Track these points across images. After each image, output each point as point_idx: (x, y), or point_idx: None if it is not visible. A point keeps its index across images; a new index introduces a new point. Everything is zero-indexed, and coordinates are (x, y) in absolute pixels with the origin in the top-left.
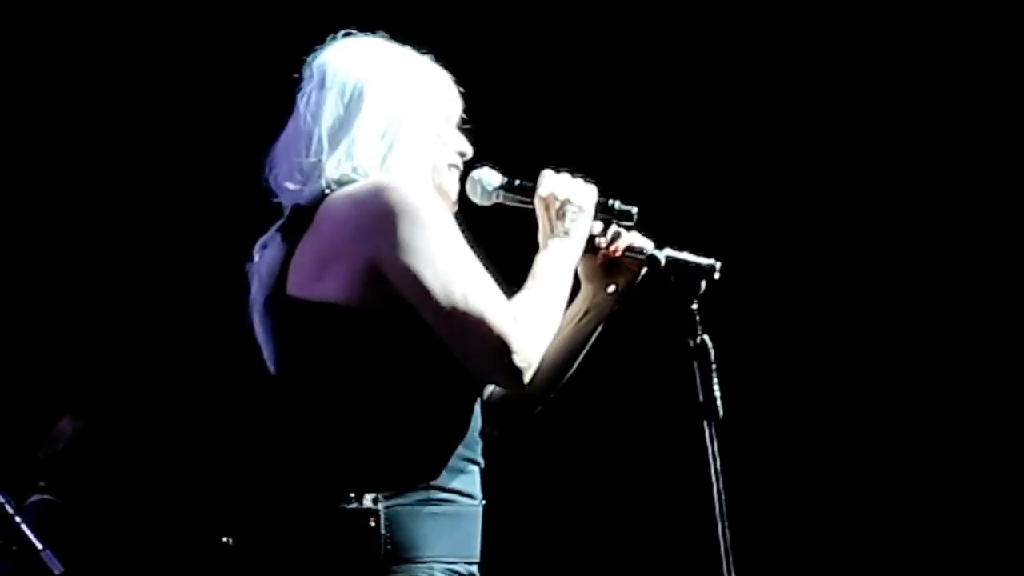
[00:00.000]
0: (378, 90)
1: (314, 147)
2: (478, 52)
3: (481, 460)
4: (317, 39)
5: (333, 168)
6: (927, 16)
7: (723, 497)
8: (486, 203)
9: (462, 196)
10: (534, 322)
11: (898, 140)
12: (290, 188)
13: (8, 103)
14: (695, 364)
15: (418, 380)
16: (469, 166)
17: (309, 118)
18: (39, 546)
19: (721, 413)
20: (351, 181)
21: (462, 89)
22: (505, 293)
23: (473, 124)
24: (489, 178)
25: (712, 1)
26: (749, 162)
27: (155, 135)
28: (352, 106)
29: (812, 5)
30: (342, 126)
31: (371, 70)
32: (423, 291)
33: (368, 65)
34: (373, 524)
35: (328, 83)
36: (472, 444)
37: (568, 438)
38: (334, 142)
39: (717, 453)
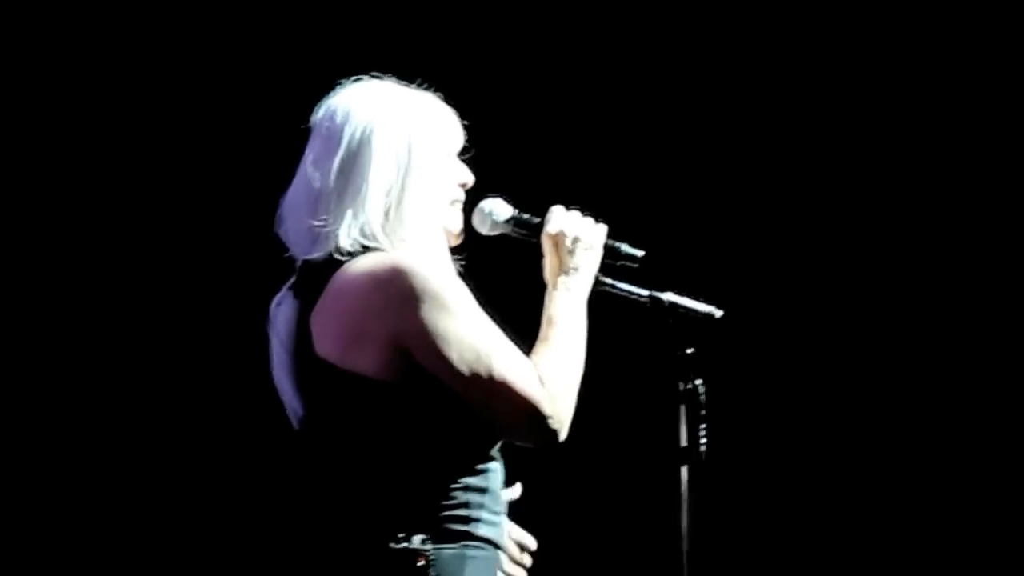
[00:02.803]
0: (380, 147)
1: (321, 208)
2: (494, 85)
3: (505, 509)
4: (323, 48)
5: (344, 235)
6: (922, 19)
7: (689, 544)
8: (492, 233)
9: (467, 223)
10: (560, 380)
11: (884, 174)
12: (299, 246)
13: (8, 103)
14: (683, 408)
15: (449, 442)
16: (475, 194)
17: (317, 177)
18: None
19: (703, 459)
20: (361, 245)
21: (466, 122)
22: (516, 339)
23: (484, 155)
24: (499, 210)
25: (721, 41)
26: (754, 211)
27: (156, 138)
28: (357, 166)
29: (808, 39)
30: (348, 186)
31: (374, 125)
32: (451, 371)
33: (370, 120)
34: (422, 564)
35: (333, 142)
36: (498, 498)
37: (556, 477)
38: (341, 205)
39: (690, 500)
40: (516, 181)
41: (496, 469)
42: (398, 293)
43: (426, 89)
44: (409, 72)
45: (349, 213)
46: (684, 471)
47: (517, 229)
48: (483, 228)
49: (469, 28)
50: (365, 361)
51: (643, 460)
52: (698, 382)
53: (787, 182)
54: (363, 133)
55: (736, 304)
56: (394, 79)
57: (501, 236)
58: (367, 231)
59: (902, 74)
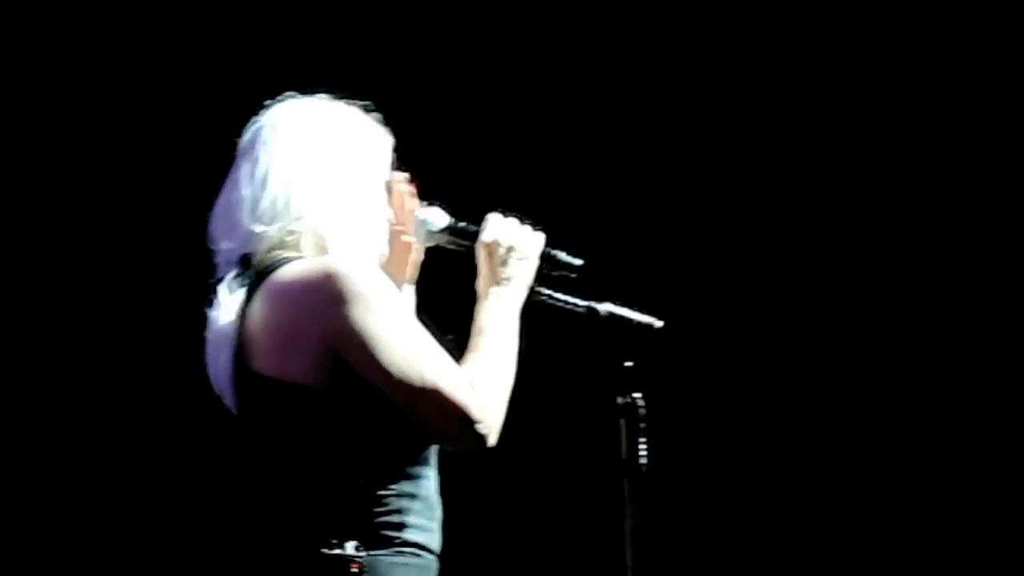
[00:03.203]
0: (319, 164)
1: (259, 214)
2: (432, 91)
3: (439, 515)
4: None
5: (275, 237)
6: (898, 18)
7: (634, 552)
8: (428, 243)
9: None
10: (490, 386)
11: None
12: (227, 247)
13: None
14: (622, 422)
15: (382, 448)
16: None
17: (255, 185)
18: None
19: (644, 471)
20: (294, 250)
21: (396, 140)
22: (448, 345)
23: (423, 163)
24: (435, 219)
25: (658, 39)
26: (695, 220)
27: (152, 137)
28: (299, 176)
29: (782, 55)
30: (291, 196)
31: (313, 139)
32: (381, 373)
33: (310, 134)
34: (355, 570)
35: (272, 154)
36: (434, 504)
37: (495, 489)
38: (286, 214)
39: (633, 512)
40: (455, 189)
41: (430, 476)
42: (330, 295)
43: (358, 103)
44: (342, 81)
45: (286, 222)
46: (626, 484)
47: (453, 238)
48: (419, 237)
49: (402, 36)
50: (298, 366)
51: (584, 474)
52: (637, 395)
53: (725, 190)
54: (303, 147)
55: (676, 314)
56: (323, 95)
57: (438, 247)
58: (308, 239)
59: (859, 71)
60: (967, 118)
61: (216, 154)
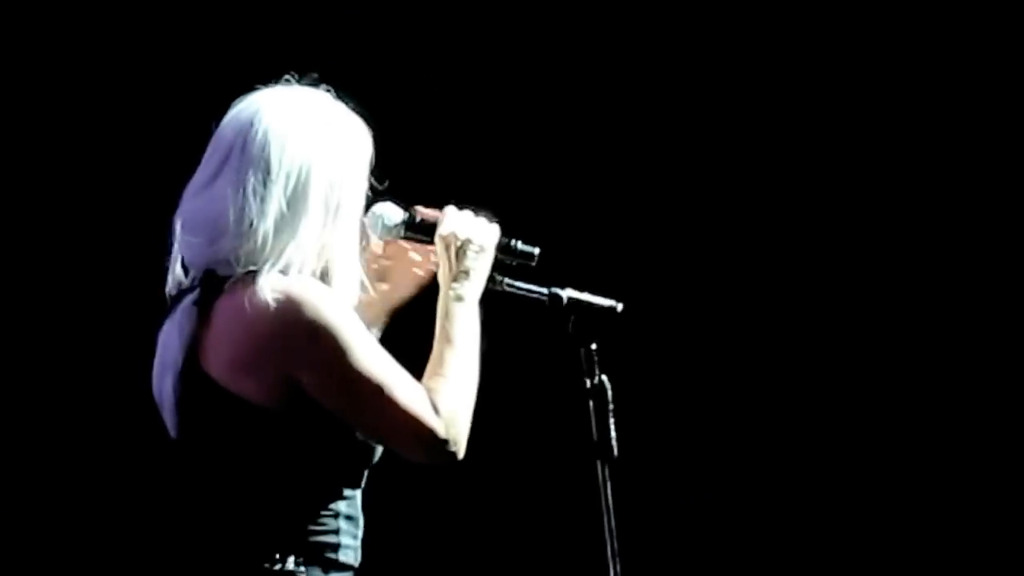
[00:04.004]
0: (320, 184)
1: (257, 244)
2: (387, 77)
3: (361, 533)
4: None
5: (268, 267)
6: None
7: (615, 536)
8: (386, 238)
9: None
10: (455, 402)
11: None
12: (200, 259)
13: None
14: (591, 404)
15: (325, 469)
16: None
17: (253, 211)
18: None
19: (616, 453)
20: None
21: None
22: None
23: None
24: (390, 214)
25: (622, 25)
26: (649, 201)
27: (149, 135)
28: (298, 205)
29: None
30: (285, 227)
31: (312, 155)
32: (343, 406)
33: (308, 147)
34: None
35: (272, 171)
36: (360, 522)
37: (465, 478)
38: (278, 244)
39: (609, 493)
40: (409, 181)
41: (357, 496)
42: (288, 327)
43: (334, 95)
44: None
45: (286, 252)
46: (600, 468)
47: (410, 233)
48: (375, 233)
49: (366, 27)
50: (250, 387)
51: (555, 460)
52: (604, 377)
53: (679, 171)
54: (304, 170)
55: (636, 296)
56: (308, 82)
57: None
58: (290, 264)
59: (850, 68)
60: (967, 118)
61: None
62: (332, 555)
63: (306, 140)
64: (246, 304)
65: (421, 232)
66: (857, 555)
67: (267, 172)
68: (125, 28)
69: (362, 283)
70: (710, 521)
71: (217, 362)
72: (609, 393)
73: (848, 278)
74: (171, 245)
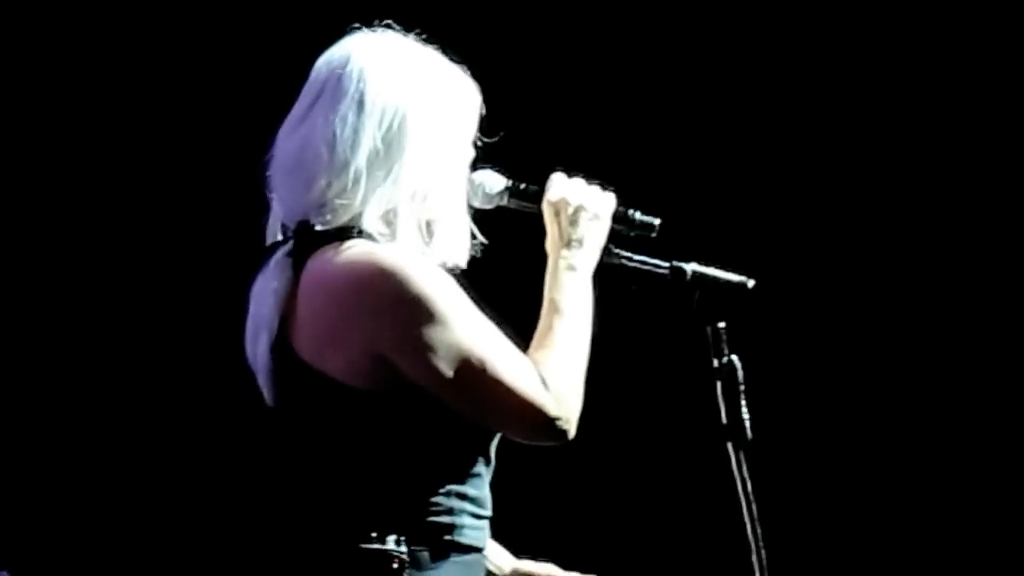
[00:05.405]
0: (417, 126)
1: (349, 182)
2: (482, 41)
3: (490, 513)
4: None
5: (370, 220)
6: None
7: (756, 522)
8: (486, 206)
9: None
10: (565, 377)
11: (927, 140)
12: (296, 210)
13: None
14: (720, 385)
15: (432, 449)
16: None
17: (346, 145)
18: None
19: (749, 436)
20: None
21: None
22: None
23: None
24: (491, 182)
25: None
26: (777, 168)
27: (153, 134)
28: (392, 144)
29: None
30: (379, 166)
31: (410, 95)
32: (440, 383)
33: (406, 88)
34: (396, 567)
35: (367, 106)
36: (486, 503)
37: (588, 462)
38: (372, 185)
39: (746, 477)
40: (508, 149)
41: (484, 474)
42: (376, 300)
43: (434, 46)
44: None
45: (382, 201)
46: (732, 453)
47: (514, 200)
48: (476, 201)
49: None
50: (337, 366)
51: (684, 445)
52: (733, 357)
53: (816, 133)
54: (401, 106)
55: (768, 272)
56: (404, 32)
57: (497, 209)
58: (391, 218)
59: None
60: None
61: (215, 154)
62: (447, 536)
63: (405, 79)
64: (329, 271)
65: (526, 199)
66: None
67: (361, 105)
68: (147, 28)
69: (472, 241)
70: (847, 508)
71: (302, 335)
72: (740, 373)
73: (995, 261)
74: (266, 195)
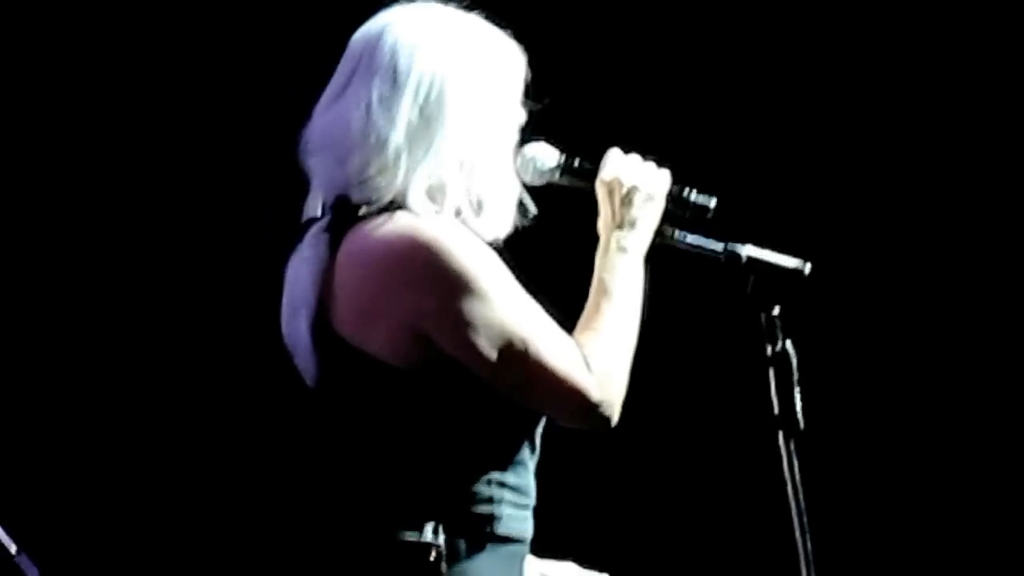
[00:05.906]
0: (457, 95)
1: (389, 159)
2: (534, 15)
3: (534, 501)
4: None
5: (415, 197)
6: None
7: (804, 512)
8: (537, 183)
9: None
10: (610, 361)
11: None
12: (333, 185)
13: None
14: (772, 373)
15: (473, 435)
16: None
17: (382, 121)
18: (13, 549)
19: (801, 425)
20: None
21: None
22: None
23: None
24: (544, 157)
25: None
26: (837, 150)
27: (155, 132)
28: (432, 117)
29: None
30: (420, 141)
31: (447, 64)
32: (481, 361)
33: (443, 56)
34: (433, 558)
35: (401, 78)
36: (530, 491)
37: (636, 448)
38: (414, 162)
39: (796, 467)
40: (564, 123)
41: (528, 462)
42: (416, 272)
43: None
44: None
45: (422, 169)
46: (783, 442)
47: (567, 177)
48: (527, 176)
49: None
50: (377, 342)
51: (732, 433)
52: (788, 344)
53: (877, 112)
54: (438, 75)
55: (826, 256)
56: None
57: (548, 185)
58: (438, 194)
59: None
60: None
61: (216, 155)
62: (488, 527)
63: (441, 48)
64: (369, 244)
65: (580, 177)
66: None
67: (394, 79)
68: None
69: (522, 211)
70: (896, 502)
71: (341, 312)
72: (794, 361)
73: None
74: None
